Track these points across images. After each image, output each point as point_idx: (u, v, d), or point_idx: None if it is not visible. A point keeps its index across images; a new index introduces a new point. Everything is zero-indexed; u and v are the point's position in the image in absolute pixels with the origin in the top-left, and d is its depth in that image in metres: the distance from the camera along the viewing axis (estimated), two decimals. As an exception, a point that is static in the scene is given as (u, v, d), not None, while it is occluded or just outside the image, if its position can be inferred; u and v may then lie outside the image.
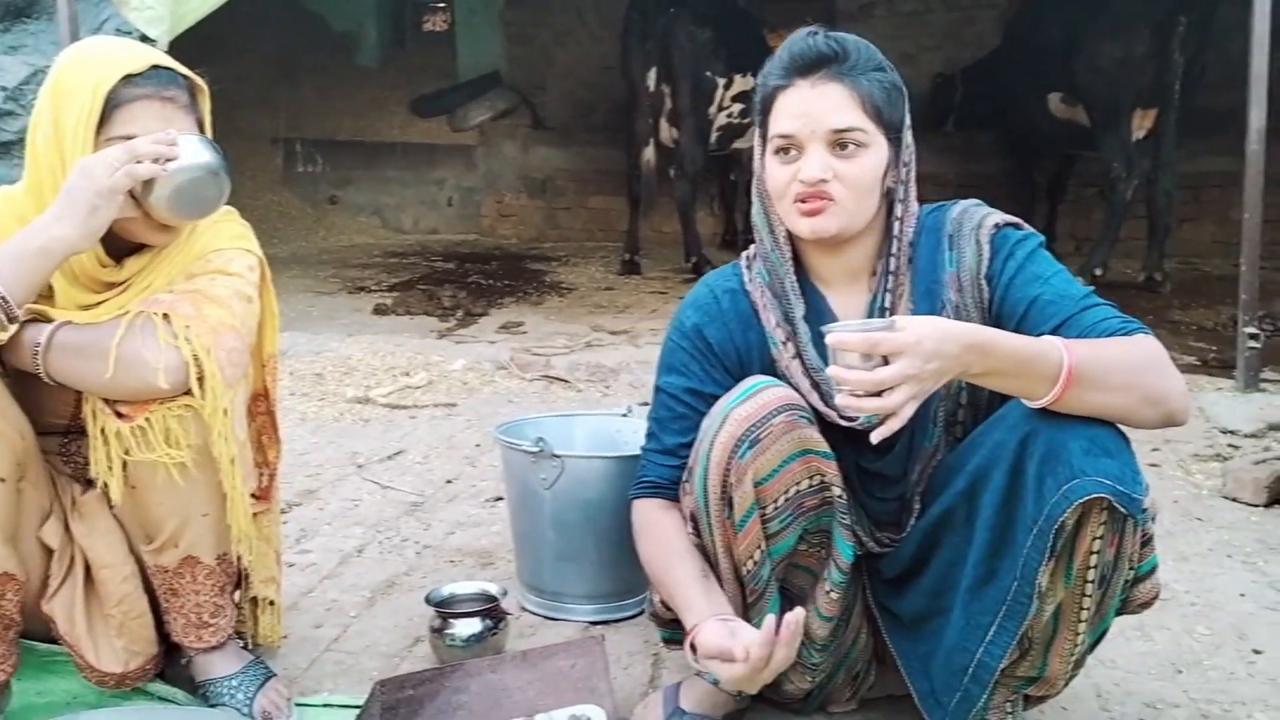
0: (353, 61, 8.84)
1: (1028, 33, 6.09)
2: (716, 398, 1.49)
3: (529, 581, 2.11)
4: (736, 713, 1.65)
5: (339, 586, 2.18)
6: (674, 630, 1.71)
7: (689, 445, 1.51)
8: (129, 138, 1.45)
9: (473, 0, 8.61)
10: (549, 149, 8.54)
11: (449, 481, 2.90)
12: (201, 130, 1.56)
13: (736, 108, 6.29)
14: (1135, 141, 5.51)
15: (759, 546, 1.45)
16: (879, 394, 1.21)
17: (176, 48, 3.50)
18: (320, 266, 6.63)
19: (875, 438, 1.24)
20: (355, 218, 8.67)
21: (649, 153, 6.28)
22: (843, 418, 1.46)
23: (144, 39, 3.69)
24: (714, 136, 6.34)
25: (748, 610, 1.51)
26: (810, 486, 1.46)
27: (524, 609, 2.08)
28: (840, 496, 1.47)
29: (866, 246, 1.50)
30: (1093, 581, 1.33)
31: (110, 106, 1.46)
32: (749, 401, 1.43)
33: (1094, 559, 1.31)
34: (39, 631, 1.61)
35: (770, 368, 1.53)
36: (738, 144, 6.67)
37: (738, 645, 1.30)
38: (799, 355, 1.50)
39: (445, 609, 1.84)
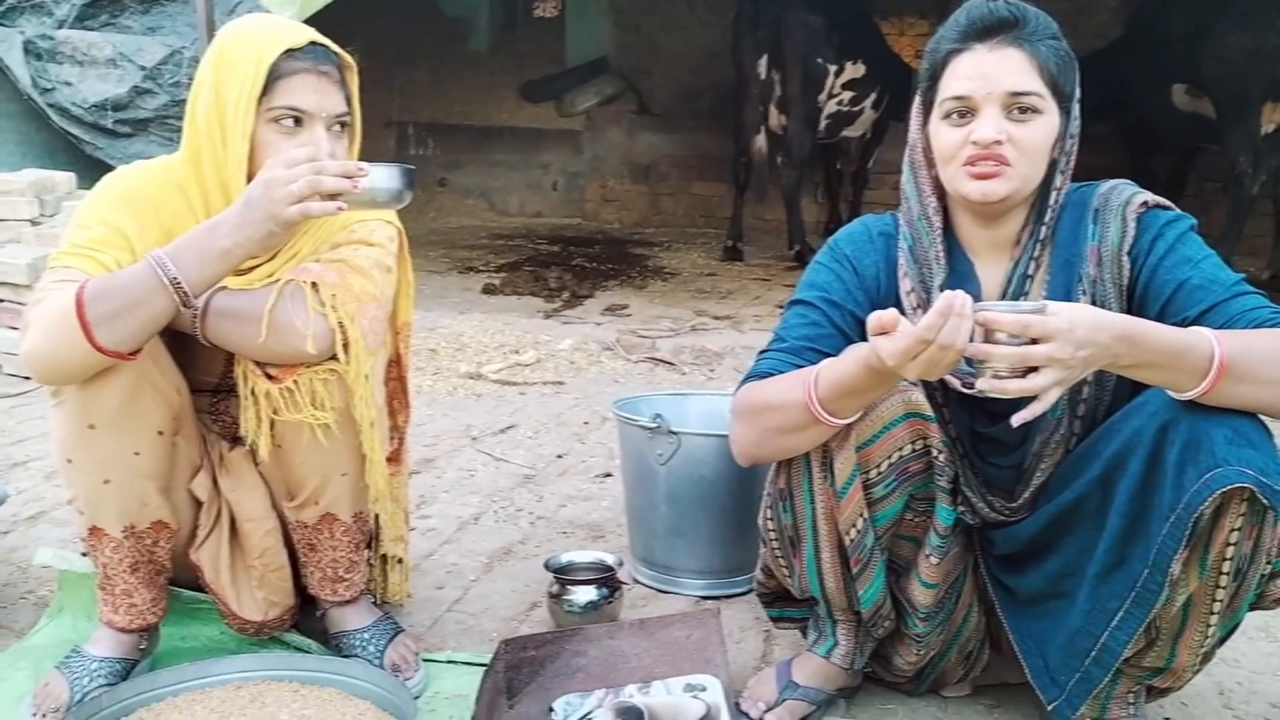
0: (464, 46, 8.97)
1: (1152, 23, 5.89)
2: (854, 316, 1.49)
3: (641, 554, 2.15)
4: (850, 689, 1.67)
5: (458, 551, 2.25)
6: (782, 609, 1.76)
7: (816, 351, 1.48)
8: (288, 108, 1.52)
9: (583, -14, 8.67)
10: (654, 134, 8.57)
11: (559, 456, 2.96)
12: (349, 104, 1.62)
13: (847, 95, 6.24)
14: (1264, 136, 5.30)
15: (861, 514, 1.46)
16: (1023, 376, 1.19)
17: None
18: (430, 247, 6.78)
19: (1016, 421, 1.23)
20: (463, 200, 8.84)
21: (760, 140, 6.27)
22: (965, 386, 1.45)
23: (275, 22, 3.82)
24: (823, 124, 6.29)
25: (853, 582, 1.52)
26: (914, 451, 1.45)
27: (636, 580, 2.13)
28: (939, 458, 1.45)
29: (1019, 216, 1.49)
30: (1228, 574, 1.31)
31: (272, 78, 1.52)
32: None
33: (1230, 550, 1.29)
34: (185, 579, 1.71)
35: None
36: (846, 132, 6.61)
37: (903, 321, 1.24)
38: None
39: (563, 576, 1.90)
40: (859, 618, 1.59)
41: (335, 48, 1.62)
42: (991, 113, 1.40)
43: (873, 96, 6.46)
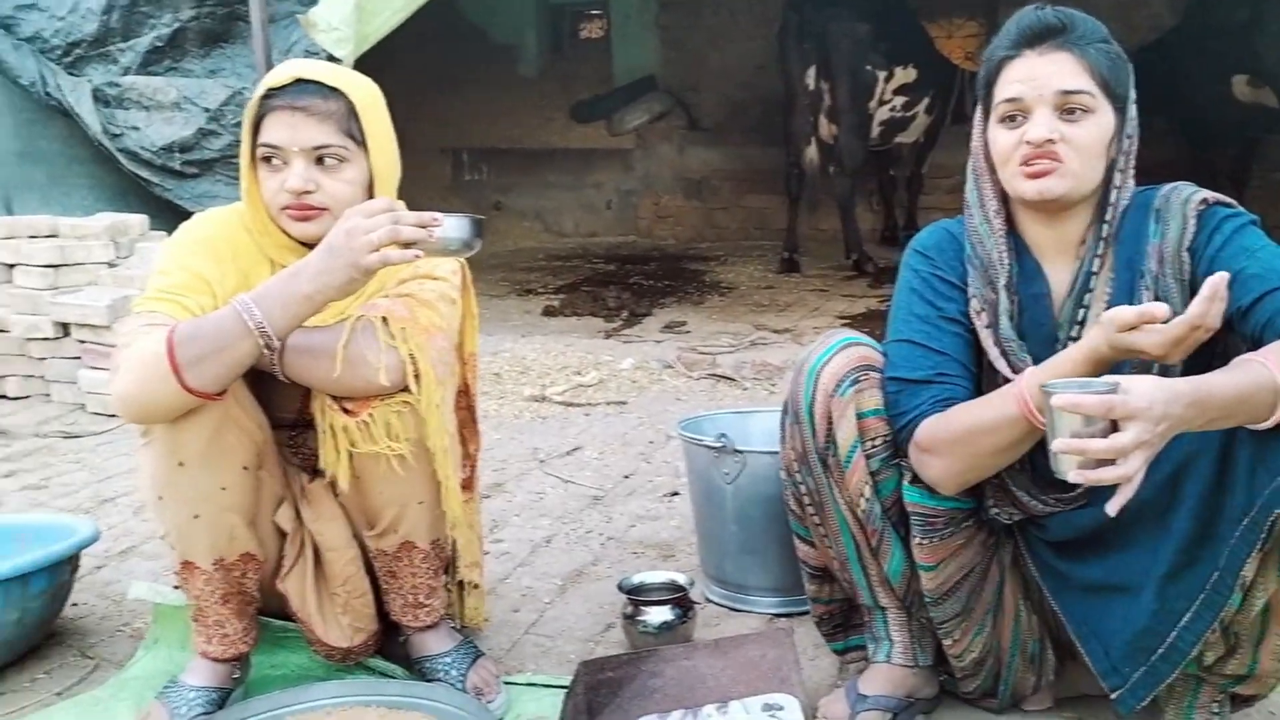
0: (514, 71, 9.11)
1: (1208, 13, 5.80)
2: (961, 316, 1.53)
3: (712, 573, 2.17)
4: (926, 701, 1.67)
5: (532, 574, 2.29)
6: (846, 639, 1.78)
7: (964, 365, 1.51)
8: (269, 145, 1.60)
9: (628, 6, 8.76)
10: (704, 150, 8.61)
11: (626, 476, 2.99)
12: (358, 138, 1.63)
13: (899, 100, 6.22)
14: (1332, 123, 5.19)
15: (867, 483, 1.52)
16: (1111, 462, 1.18)
17: (358, 65, 3.71)
18: (489, 270, 6.88)
19: (1113, 510, 1.21)
20: (519, 222, 8.95)
21: (811, 151, 6.27)
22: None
23: (330, 58, 3.92)
24: (875, 131, 6.29)
25: (874, 557, 1.57)
26: None
27: (708, 600, 2.14)
28: None
29: (1083, 217, 1.51)
30: None
31: (258, 118, 1.62)
32: (839, 355, 1.53)
33: None
34: (273, 608, 1.76)
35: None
36: (900, 138, 6.58)
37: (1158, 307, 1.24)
38: (993, 325, 1.51)
39: (637, 597, 1.92)
40: (905, 607, 1.61)
41: (333, 83, 1.63)
42: (1043, 113, 1.44)
43: (925, 101, 6.43)
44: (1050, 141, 1.42)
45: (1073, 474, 1.20)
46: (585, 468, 3.08)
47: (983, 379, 1.52)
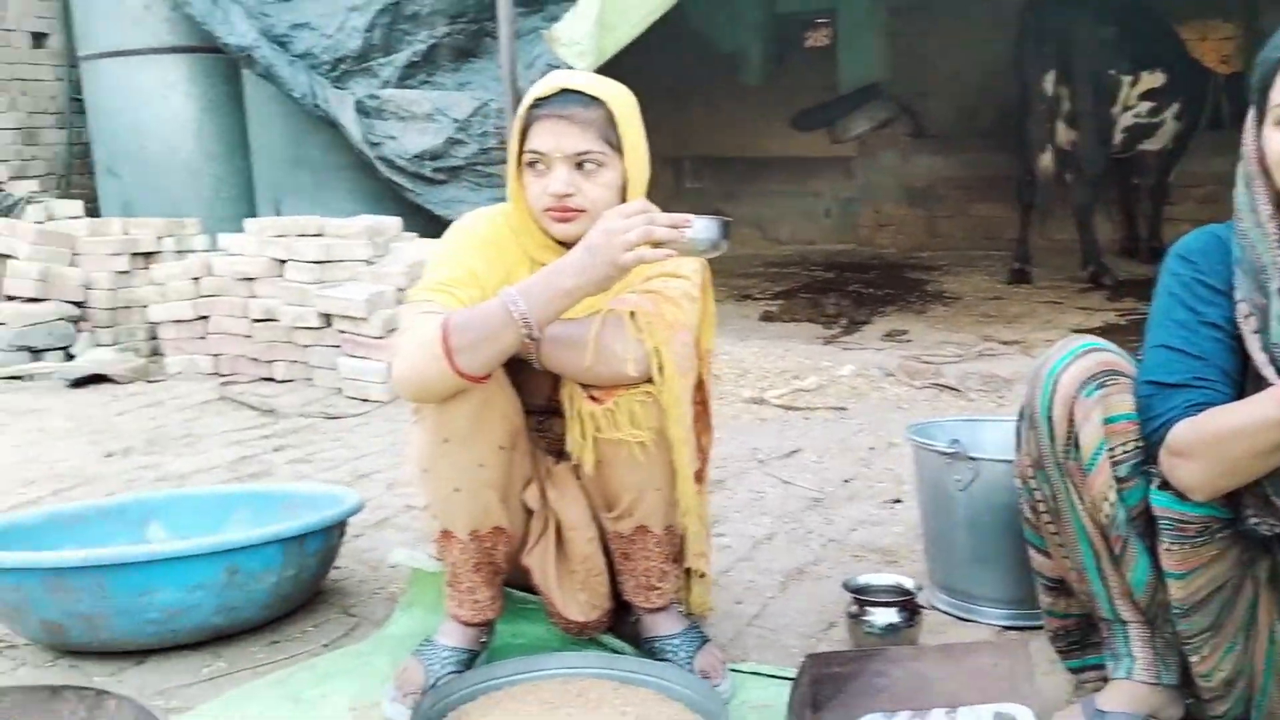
0: (737, 80, 9.20)
1: None
2: (1224, 323, 1.47)
3: (940, 581, 2.14)
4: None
5: (754, 569, 2.33)
6: (1082, 657, 1.73)
7: (1224, 371, 1.46)
8: (532, 150, 1.71)
9: (857, 12, 8.68)
10: (930, 157, 8.42)
11: (846, 481, 2.99)
12: (615, 144, 1.73)
13: (1144, 106, 5.89)
14: None
15: (1111, 487, 1.47)
16: None
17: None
18: (707, 276, 6.97)
19: None
20: (737, 230, 8.96)
21: (1046, 158, 6.03)
22: None
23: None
24: (1118, 137, 5.98)
25: (1116, 566, 1.52)
26: None
27: (934, 607, 2.12)
28: None
29: None
30: None
31: (525, 126, 1.73)
32: (1081, 360, 1.50)
33: None
34: (516, 581, 1.88)
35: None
36: (1145, 145, 6.23)
37: None
38: (1262, 330, 1.44)
39: (863, 596, 1.93)
40: (1148, 621, 1.56)
41: (594, 93, 1.73)
42: None
43: (1175, 107, 6.06)
44: None
45: None
46: (805, 470, 3.09)
47: (1248, 388, 1.45)
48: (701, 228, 1.58)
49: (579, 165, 1.72)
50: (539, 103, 1.73)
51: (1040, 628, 1.97)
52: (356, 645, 1.98)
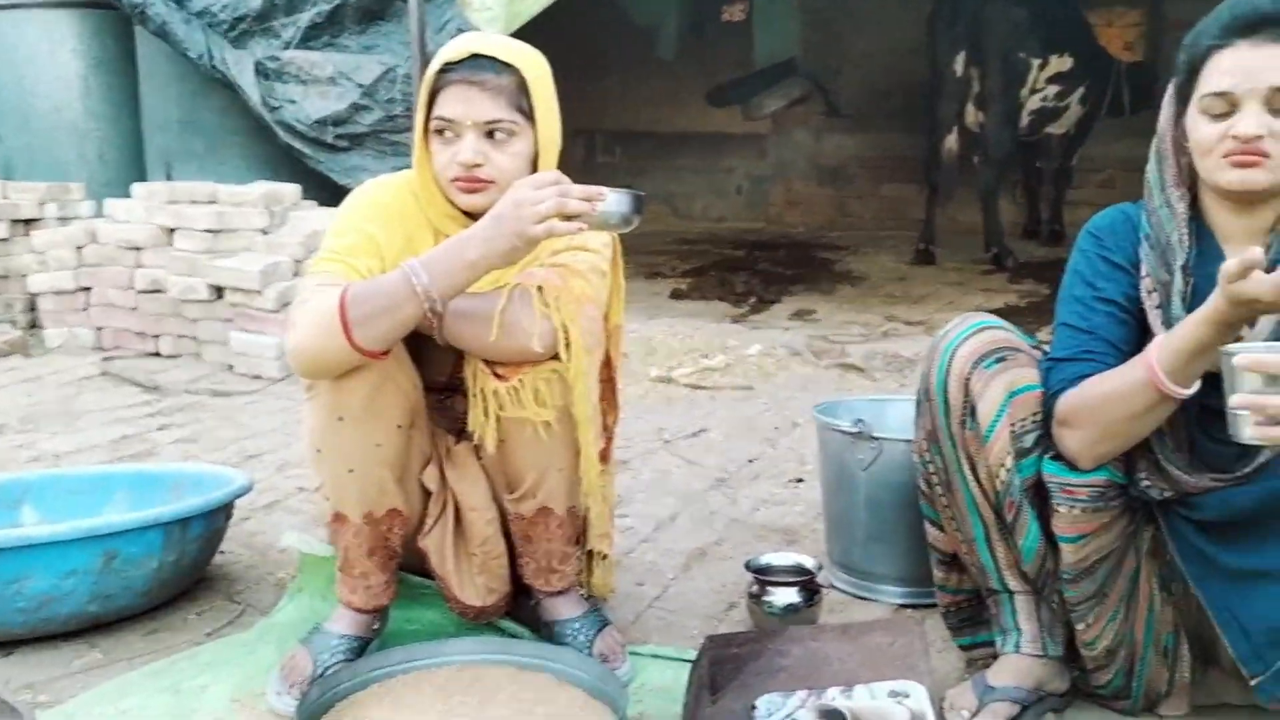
0: (652, 54, 9.13)
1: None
2: (1126, 302, 1.52)
3: (839, 560, 2.15)
4: (1056, 696, 1.63)
5: (656, 550, 2.31)
6: (973, 634, 1.76)
7: (1113, 345, 1.51)
8: (440, 118, 1.64)
9: (772, -12, 8.68)
10: (842, 136, 8.49)
11: (751, 460, 2.99)
12: (527, 112, 1.67)
13: (1052, 90, 6.00)
14: None
15: (1009, 453, 1.51)
16: None
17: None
18: (617, 251, 6.93)
19: None
20: (649, 206, 8.96)
21: (951, 139, 6.11)
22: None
23: (480, 38, 4.01)
24: (1025, 120, 6.08)
25: (1007, 537, 1.56)
26: None
27: (833, 586, 2.13)
28: None
29: (1275, 206, 1.47)
30: None
31: (433, 91, 1.66)
32: (976, 337, 1.54)
33: None
34: (412, 565, 1.83)
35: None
36: (1050, 128, 6.36)
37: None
38: (1164, 305, 1.49)
39: (764, 577, 1.92)
40: (1034, 592, 1.59)
41: (506, 58, 1.66)
42: (1253, 108, 1.40)
43: (1080, 91, 6.19)
44: (1258, 138, 1.40)
45: (1248, 431, 1.21)
46: (710, 450, 3.09)
47: None
48: (615, 201, 1.53)
49: (489, 134, 1.65)
50: (448, 67, 1.66)
51: (936, 606, 2.00)
52: (241, 634, 1.91)
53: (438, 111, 1.66)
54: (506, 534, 1.79)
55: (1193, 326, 1.33)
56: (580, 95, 8.67)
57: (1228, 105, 1.42)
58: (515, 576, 1.83)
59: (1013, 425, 1.51)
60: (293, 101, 4.99)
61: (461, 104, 1.64)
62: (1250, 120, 1.40)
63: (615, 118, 8.97)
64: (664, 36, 9.16)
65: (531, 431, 1.64)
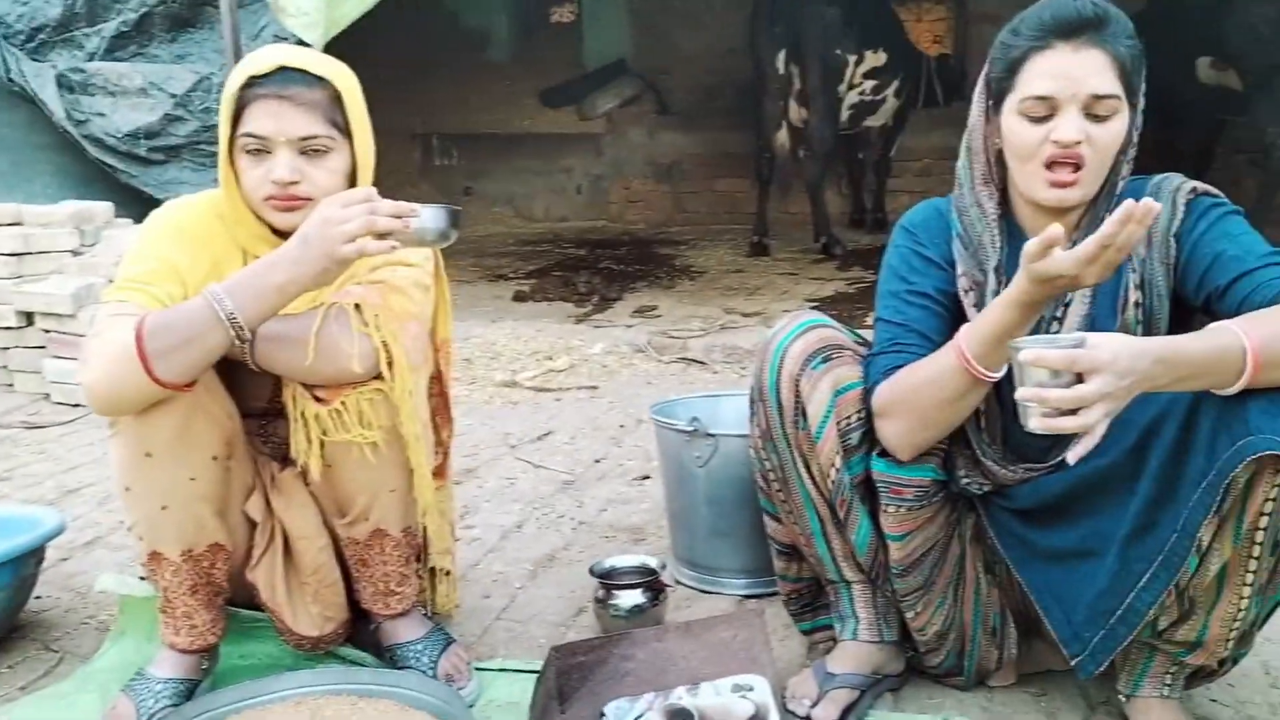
0: (484, 56, 9.05)
1: (1175, -4, 5.84)
2: (941, 295, 1.56)
3: (683, 556, 2.18)
4: (894, 678, 1.69)
5: (503, 560, 2.29)
6: (814, 619, 1.82)
7: (927, 337, 1.54)
8: (250, 135, 1.57)
9: (599, -11, 8.73)
10: (675, 134, 8.61)
11: (597, 461, 3.00)
12: (342, 126, 1.62)
13: (868, 84, 6.24)
14: (1292, 105, 5.25)
15: (838, 453, 1.54)
16: (1073, 413, 1.21)
17: (328, 50, 3.68)
18: (459, 256, 6.84)
19: (1073, 459, 1.24)
20: (490, 208, 8.92)
21: (782, 135, 6.28)
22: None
23: (300, 43, 3.89)
24: (845, 114, 6.31)
25: (840, 530, 1.60)
26: None
27: (679, 582, 2.15)
28: None
29: (1083, 206, 1.51)
30: (1262, 544, 1.32)
31: (240, 106, 1.58)
32: (804, 336, 1.56)
33: (1265, 520, 1.30)
34: (242, 599, 1.75)
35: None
36: (868, 121, 6.61)
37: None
38: (979, 305, 1.53)
39: (608, 581, 1.93)
40: (870, 581, 1.65)
41: (319, 72, 1.61)
42: (1072, 113, 1.42)
43: (894, 84, 6.46)
44: (1078, 143, 1.42)
45: (1033, 421, 1.24)
46: (556, 452, 3.08)
47: None
48: (429, 217, 1.48)
49: (303, 150, 1.59)
50: (255, 81, 1.58)
51: (778, 594, 2.05)
52: (59, 684, 1.79)
53: (247, 128, 1.58)
54: (341, 560, 1.74)
55: (1000, 310, 1.36)
56: (414, 99, 8.55)
57: (1048, 109, 1.43)
58: (353, 602, 1.78)
59: (839, 423, 1.54)
60: (101, 114, 4.74)
61: (272, 119, 1.57)
62: (1070, 126, 1.41)
63: (451, 120, 8.87)
64: (495, 38, 9.10)
65: (358, 454, 1.59)
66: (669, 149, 8.62)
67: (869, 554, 1.61)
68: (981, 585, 1.66)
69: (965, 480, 1.59)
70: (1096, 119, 1.42)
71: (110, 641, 1.87)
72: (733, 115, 7.88)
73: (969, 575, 1.66)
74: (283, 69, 1.59)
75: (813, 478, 1.59)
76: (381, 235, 1.44)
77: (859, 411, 1.54)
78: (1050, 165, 1.44)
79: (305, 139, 1.59)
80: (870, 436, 1.55)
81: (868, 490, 1.58)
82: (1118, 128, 1.44)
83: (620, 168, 8.78)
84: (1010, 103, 1.47)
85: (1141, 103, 1.48)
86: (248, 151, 1.59)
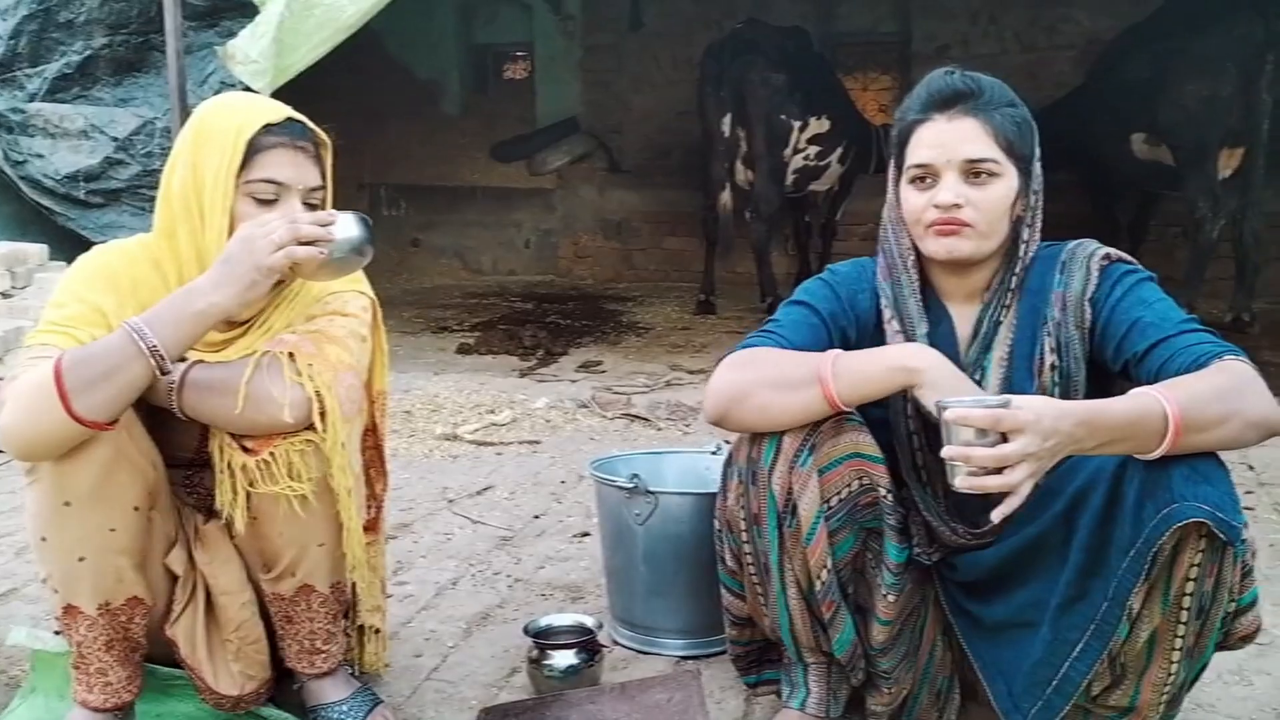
0: (436, 109, 9.08)
1: (1110, 72, 6.04)
2: (843, 333, 1.61)
3: (621, 615, 2.15)
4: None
5: (436, 617, 2.24)
6: (759, 673, 1.80)
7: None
8: (267, 181, 1.56)
9: (552, 48, 8.82)
10: (625, 191, 8.68)
11: (536, 517, 2.96)
12: (324, 179, 1.66)
13: (813, 150, 6.35)
14: (1221, 180, 5.43)
15: (829, 555, 1.53)
16: (998, 472, 1.25)
17: (276, 98, 3.66)
18: (404, 307, 6.80)
19: (997, 517, 1.28)
20: (437, 260, 8.89)
21: (725, 196, 6.36)
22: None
23: (246, 90, 3.87)
24: (790, 179, 6.40)
25: (825, 629, 1.58)
26: (861, 487, 1.53)
27: (616, 642, 2.12)
28: (887, 498, 1.54)
29: (990, 267, 1.58)
30: (1189, 609, 1.34)
31: (251, 152, 1.56)
32: None
33: (1190, 586, 1.32)
34: (161, 655, 1.69)
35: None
36: (813, 186, 6.71)
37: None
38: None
39: (543, 640, 1.89)
40: (829, 661, 1.63)
41: (312, 125, 1.66)
42: (951, 178, 1.51)
43: (839, 150, 6.57)
44: (957, 206, 1.50)
45: (959, 480, 1.28)
46: (495, 508, 3.04)
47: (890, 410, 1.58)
48: (347, 223, 1.53)
49: (306, 201, 1.61)
50: (271, 128, 1.58)
51: (717, 654, 2.03)
52: (-36, 745, 1.71)
53: (265, 174, 1.57)
54: (265, 616, 1.69)
55: (880, 365, 1.45)
56: (365, 148, 8.54)
57: (929, 176, 1.53)
58: (277, 659, 1.72)
59: (828, 520, 1.51)
60: (40, 156, 4.67)
61: (292, 168, 1.59)
62: (948, 191, 1.51)
63: (401, 172, 8.86)
64: (448, 91, 9.14)
65: (286, 506, 1.55)
66: (619, 206, 8.68)
67: (848, 651, 1.59)
68: (937, 649, 1.67)
69: (917, 551, 1.59)
70: (975, 182, 1.51)
71: (20, 698, 1.79)
72: (682, 175, 7.98)
73: (927, 637, 1.66)
74: (290, 120, 1.62)
75: (794, 573, 1.56)
76: (307, 242, 1.47)
77: (839, 495, 1.52)
78: (934, 228, 1.52)
79: (313, 190, 1.62)
80: (849, 519, 1.53)
81: (850, 576, 1.57)
82: (999, 190, 1.52)
83: (570, 223, 8.82)
84: (903, 173, 1.57)
85: (1036, 167, 1.56)
86: (256, 197, 1.58)
